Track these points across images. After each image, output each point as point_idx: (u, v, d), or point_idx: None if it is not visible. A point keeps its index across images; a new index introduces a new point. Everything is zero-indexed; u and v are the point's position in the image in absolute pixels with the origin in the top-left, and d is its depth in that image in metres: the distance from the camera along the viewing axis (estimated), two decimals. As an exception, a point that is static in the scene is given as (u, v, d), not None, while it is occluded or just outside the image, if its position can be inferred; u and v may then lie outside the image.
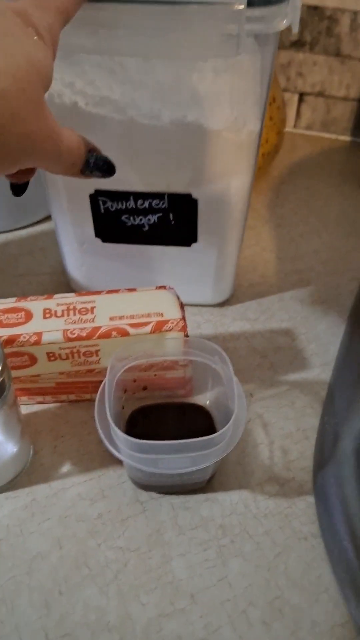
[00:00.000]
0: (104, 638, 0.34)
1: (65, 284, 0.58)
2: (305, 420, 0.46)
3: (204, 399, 0.44)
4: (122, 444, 0.35)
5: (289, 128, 0.87)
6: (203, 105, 0.39)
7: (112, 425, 0.35)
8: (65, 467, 0.42)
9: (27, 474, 0.42)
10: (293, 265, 0.61)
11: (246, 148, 0.43)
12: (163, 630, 0.34)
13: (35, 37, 0.27)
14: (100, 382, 0.43)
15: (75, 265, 0.53)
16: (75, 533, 0.39)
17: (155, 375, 0.42)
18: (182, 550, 0.38)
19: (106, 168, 0.33)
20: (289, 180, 0.76)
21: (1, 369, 0.35)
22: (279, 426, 0.45)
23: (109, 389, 0.37)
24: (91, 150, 0.32)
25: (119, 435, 0.34)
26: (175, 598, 0.36)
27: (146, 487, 0.40)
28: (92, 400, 0.46)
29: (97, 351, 0.41)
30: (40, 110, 0.27)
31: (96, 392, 0.44)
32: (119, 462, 0.42)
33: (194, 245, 0.49)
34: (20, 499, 0.40)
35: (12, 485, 0.41)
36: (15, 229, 0.65)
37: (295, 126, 0.87)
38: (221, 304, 0.56)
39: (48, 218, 0.66)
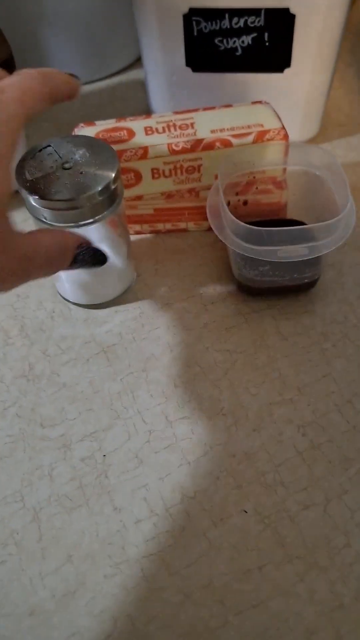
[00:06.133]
0: (219, 421, 0.37)
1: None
2: None
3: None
4: (241, 237, 0.36)
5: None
6: None
7: (231, 217, 0.35)
8: (168, 286, 0.44)
9: (132, 292, 0.44)
10: (381, 105, 0.59)
11: None
12: (274, 415, 0.37)
13: None
14: (198, 207, 0.44)
15: (162, 103, 0.53)
16: (184, 339, 0.41)
17: (257, 189, 0.43)
18: (286, 352, 0.40)
19: (95, 261, 0.32)
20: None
21: (115, 176, 0.36)
22: (375, 250, 0.45)
23: (221, 185, 0.37)
24: (80, 246, 0.31)
25: (240, 227, 0.35)
26: (284, 390, 0.38)
27: (255, 290, 0.42)
28: (187, 230, 0.47)
29: (199, 166, 0.41)
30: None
31: (192, 220, 0.45)
32: (219, 281, 0.44)
33: (286, 71, 0.48)
34: (129, 312, 0.43)
35: (121, 300, 0.43)
36: (93, 81, 0.64)
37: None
38: (308, 142, 0.55)
39: (125, 69, 0.65)
